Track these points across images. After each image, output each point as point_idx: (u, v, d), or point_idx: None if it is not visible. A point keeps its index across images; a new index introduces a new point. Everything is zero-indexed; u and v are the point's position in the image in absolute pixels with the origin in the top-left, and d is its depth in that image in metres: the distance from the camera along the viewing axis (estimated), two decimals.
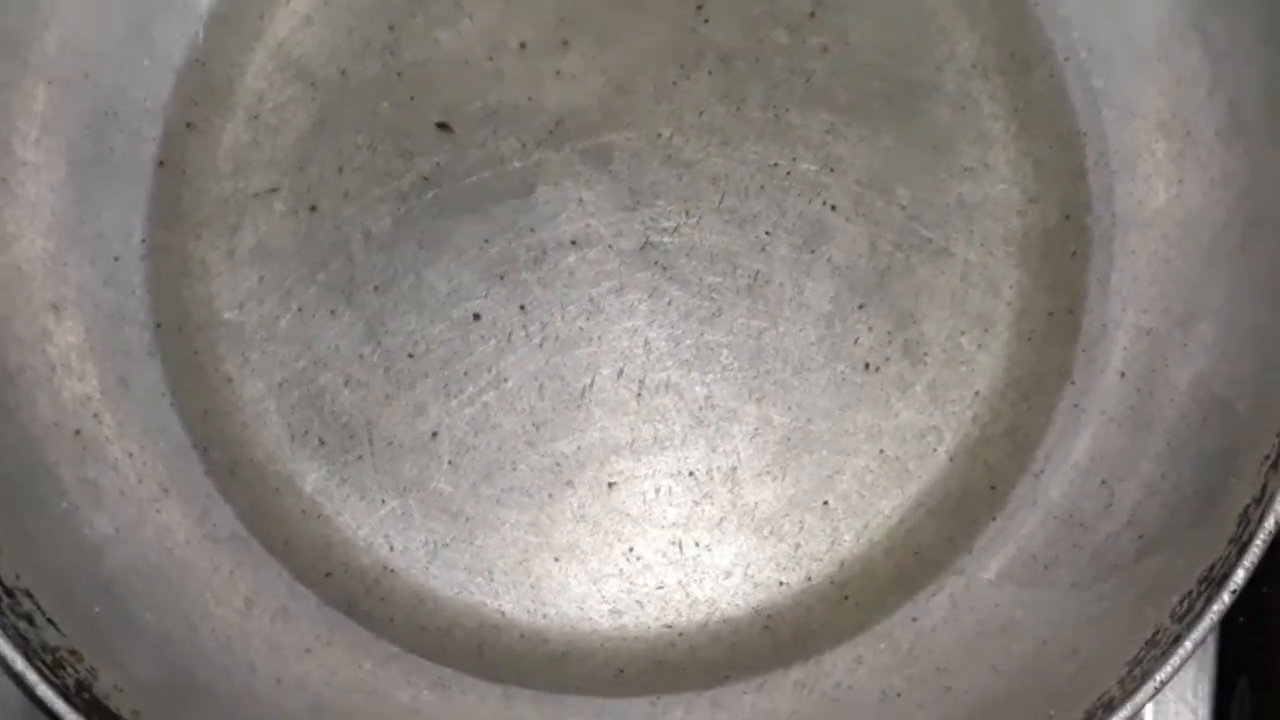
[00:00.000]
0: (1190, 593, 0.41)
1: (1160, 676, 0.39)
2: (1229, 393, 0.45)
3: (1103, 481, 0.47)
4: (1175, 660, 0.39)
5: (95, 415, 0.47)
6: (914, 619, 0.48)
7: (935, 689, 0.46)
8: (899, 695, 0.46)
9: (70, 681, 0.39)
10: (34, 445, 0.45)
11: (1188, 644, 0.40)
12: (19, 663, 0.38)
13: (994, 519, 0.48)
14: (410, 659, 0.47)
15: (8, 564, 0.40)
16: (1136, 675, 0.40)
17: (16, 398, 0.45)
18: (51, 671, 0.39)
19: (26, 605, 0.40)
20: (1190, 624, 0.40)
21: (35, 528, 0.43)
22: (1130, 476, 0.47)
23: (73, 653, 0.40)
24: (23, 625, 0.39)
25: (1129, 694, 0.39)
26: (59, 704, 0.38)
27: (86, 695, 0.40)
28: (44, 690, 0.38)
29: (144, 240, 0.49)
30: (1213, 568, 0.41)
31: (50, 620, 0.40)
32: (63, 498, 0.45)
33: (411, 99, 0.50)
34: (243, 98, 0.50)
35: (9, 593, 0.40)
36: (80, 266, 0.48)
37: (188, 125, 0.50)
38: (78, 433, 0.46)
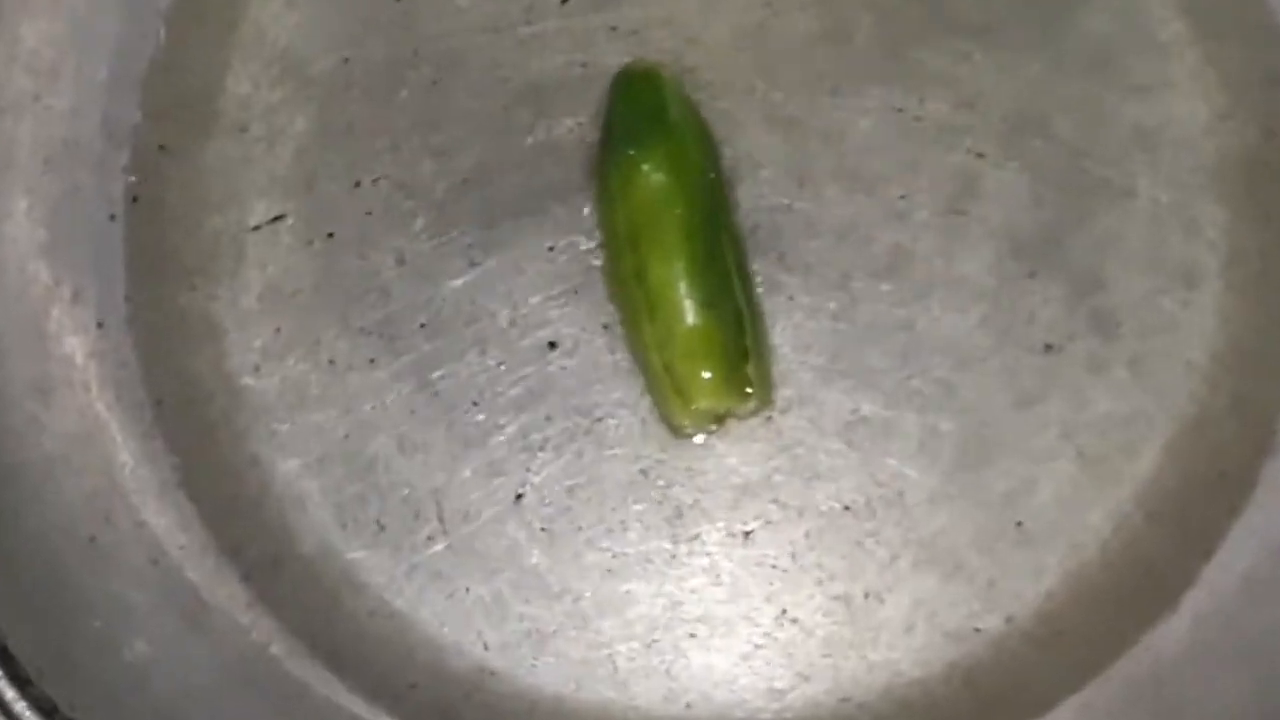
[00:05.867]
0: None
1: None
2: None
3: None
4: None
5: (106, 518, 0.43)
6: (1148, 649, 0.43)
7: None
8: None
9: None
10: (51, 554, 0.42)
11: None
12: None
13: (1231, 513, 0.44)
14: None
15: (55, 691, 0.38)
16: None
17: (18, 498, 0.42)
18: None
19: None
20: None
21: (74, 651, 0.40)
22: None
23: None
24: None
25: None
26: None
27: None
28: None
29: (128, 298, 0.44)
30: None
31: None
32: (93, 615, 0.41)
33: (435, 82, 0.45)
34: (224, 106, 0.46)
35: None
36: (61, 337, 0.44)
37: (161, 148, 0.45)
38: (92, 540, 0.42)
